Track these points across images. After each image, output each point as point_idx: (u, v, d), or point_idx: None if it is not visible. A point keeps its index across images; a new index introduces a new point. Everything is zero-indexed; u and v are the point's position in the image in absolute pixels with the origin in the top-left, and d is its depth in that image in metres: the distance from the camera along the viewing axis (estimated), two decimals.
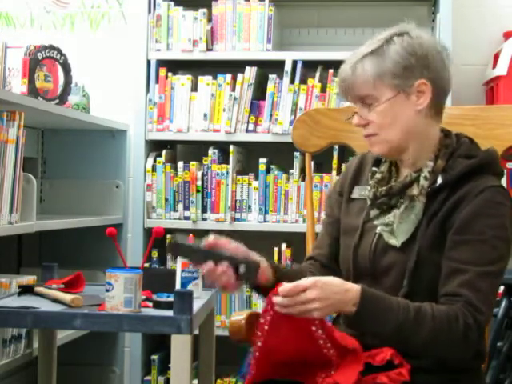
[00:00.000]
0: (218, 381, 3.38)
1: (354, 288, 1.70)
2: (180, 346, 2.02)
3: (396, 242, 1.84)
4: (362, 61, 1.84)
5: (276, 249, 3.34)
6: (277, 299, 1.66)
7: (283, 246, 3.34)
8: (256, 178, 3.37)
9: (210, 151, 3.40)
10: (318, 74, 3.37)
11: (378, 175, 1.93)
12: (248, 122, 3.37)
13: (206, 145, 3.45)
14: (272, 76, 3.37)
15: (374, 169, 1.96)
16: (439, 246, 1.80)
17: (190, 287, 2.23)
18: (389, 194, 1.88)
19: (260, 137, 3.37)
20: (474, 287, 1.72)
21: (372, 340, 1.76)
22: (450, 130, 1.93)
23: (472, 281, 1.73)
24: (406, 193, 1.86)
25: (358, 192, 1.98)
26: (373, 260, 1.88)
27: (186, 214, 3.39)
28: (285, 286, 1.65)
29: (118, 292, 2.00)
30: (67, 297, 2.15)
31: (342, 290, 1.69)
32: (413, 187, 1.86)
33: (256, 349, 1.69)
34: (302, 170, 3.31)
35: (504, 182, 3.24)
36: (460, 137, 1.92)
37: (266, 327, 1.68)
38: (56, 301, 2.19)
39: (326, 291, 1.67)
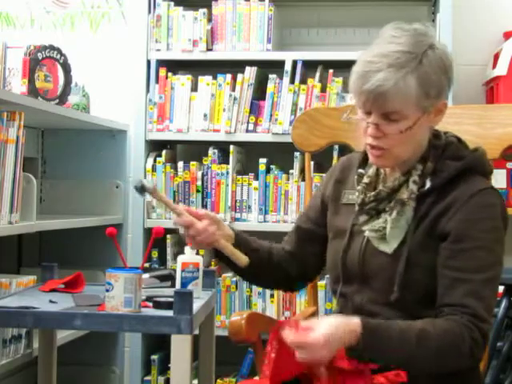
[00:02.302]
0: (218, 381, 3.37)
1: (354, 322, 1.66)
2: (180, 346, 2.02)
3: (388, 248, 1.80)
4: (403, 75, 1.71)
5: None
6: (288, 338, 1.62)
7: None
8: (256, 178, 3.37)
9: (210, 151, 3.40)
10: (317, 74, 3.37)
11: (365, 179, 1.88)
12: (248, 122, 3.37)
13: (206, 145, 3.45)
14: (272, 76, 3.37)
15: (361, 171, 1.91)
16: (428, 250, 1.77)
17: (189, 287, 2.23)
18: (377, 200, 1.84)
19: (260, 137, 3.37)
20: (478, 296, 1.70)
21: None
22: (439, 130, 1.87)
23: (476, 290, 1.70)
24: (394, 197, 1.82)
25: (347, 197, 1.93)
26: (362, 264, 1.84)
27: None
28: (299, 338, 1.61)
29: (118, 292, 2.00)
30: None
31: (344, 329, 1.64)
32: (402, 191, 1.81)
33: (264, 375, 1.68)
34: (302, 170, 3.30)
35: (504, 181, 3.31)
36: (448, 136, 1.86)
37: (273, 355, 1.67)
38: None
39: (335, 342, 1.62)
